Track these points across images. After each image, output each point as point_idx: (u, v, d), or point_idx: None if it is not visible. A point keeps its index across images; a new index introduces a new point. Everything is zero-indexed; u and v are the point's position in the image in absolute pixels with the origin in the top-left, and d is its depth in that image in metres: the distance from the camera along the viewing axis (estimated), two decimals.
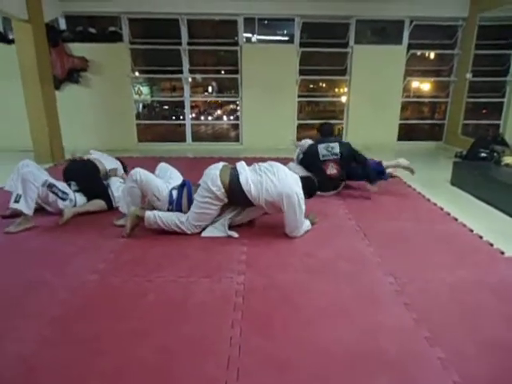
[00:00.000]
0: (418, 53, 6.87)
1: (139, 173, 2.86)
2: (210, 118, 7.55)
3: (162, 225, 2.78)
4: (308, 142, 4.22)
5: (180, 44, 6.43)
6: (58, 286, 2.10)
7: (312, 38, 6.63)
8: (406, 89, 7.00)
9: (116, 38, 6.30)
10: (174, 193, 2.89)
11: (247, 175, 2.72)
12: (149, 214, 2.78)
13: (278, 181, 2.68)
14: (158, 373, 1.47)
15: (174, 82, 7.11)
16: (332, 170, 3.81)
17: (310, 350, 1.61)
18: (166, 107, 7.47)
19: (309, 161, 3.94)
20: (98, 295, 2.04)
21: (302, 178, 2.86)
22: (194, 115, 7.11)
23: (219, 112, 7.78)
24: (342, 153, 3.80)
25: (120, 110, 6.58)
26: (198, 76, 7.03)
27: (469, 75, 6.47)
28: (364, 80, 6.67)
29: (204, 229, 2.86)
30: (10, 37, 5.98)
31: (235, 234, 2.82)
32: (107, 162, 3.66)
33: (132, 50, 6.47)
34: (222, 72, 7.07)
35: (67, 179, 3.39)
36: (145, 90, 7.02)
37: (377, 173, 3.94)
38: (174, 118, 7.36)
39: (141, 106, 7.32)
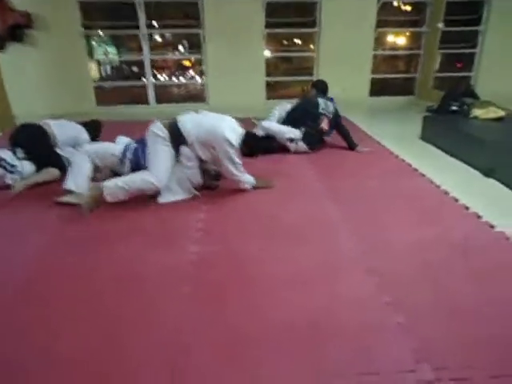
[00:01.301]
0: (391, 3, 6.54)
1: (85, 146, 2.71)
2: (182, 78, 7.14)
3: (126, 188, 2.49)
4: (288, 105, 4.06)
5: None
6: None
7: None
8: (380, 42, 6.73)
9: None
10: (133, 145, 2.81)
11: (186, 115, 2.70)
12: (108, 183, 2.51)
13: (215, 121, 2.66)
14: (105, 348, 1.35)
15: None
16: (325, 124, 3.82)
17: (264, 322, 1.51)
18: (136, 69, 6.94)
19: (305, 111, 3.84)
20: (43, 274, 1.86)
21: (247, 134, 2.75)
22: (165, 76, 6.68)
23: (192, 72, 7.36)
24: (334, 114, 3.85)
25: (73, 70, 6.06)
26: (158, 32, 6.51)
27: (440, 25, 6.25)
28: (334, 32, 6.34)
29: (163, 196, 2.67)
30: None
31: (196, 192, 2.72)
32: (65, 131, 3.31)
33: (81, 3, 5.86)
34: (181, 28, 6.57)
35: (13, 145, 3.09)
36: (112, 50, 6.45)
37: None
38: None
39: (108, 67, 6.80)
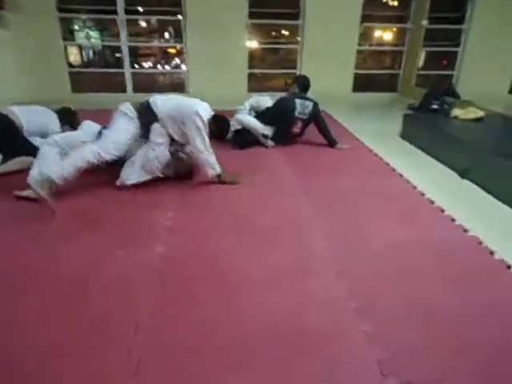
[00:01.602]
0: None
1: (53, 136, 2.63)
2: (167, 67, 6.94)
3: (67, 168, 2.37)
4: (262, 98, 3.96)
5: None
6: None
7: None
8: (365, 37, 6.67)
9: None
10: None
11: (158, 96, 2.71)
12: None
13: (187, 100, 2.72)
14: (48, 363, 1.24)
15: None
16: (297, 128, 3.73)
17: (226, 327, 1.43)
18: (119, 55, 6.67)
19: (280, 115, 3.68)
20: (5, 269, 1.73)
21: (215, 117, 2.73)
22: (150, 63, 6.49)
23: (178, 61, 7.15)
24: (311, 114, 3.70)
25: (48, 55, 5.80)
26: (136, 18, 6.28)
27: (425, 22, 6.23)
28: (318, 25, 6.24)
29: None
30: None
31: (161, 175, 2.70)
32: (34, 118, 3.13)
33: None
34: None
35: None
36: (94, 34, 6.18)
37: None
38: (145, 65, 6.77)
39: (91, 52, 6.52)
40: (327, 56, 6.42)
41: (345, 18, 6.27)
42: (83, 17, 6.24)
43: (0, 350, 1.31)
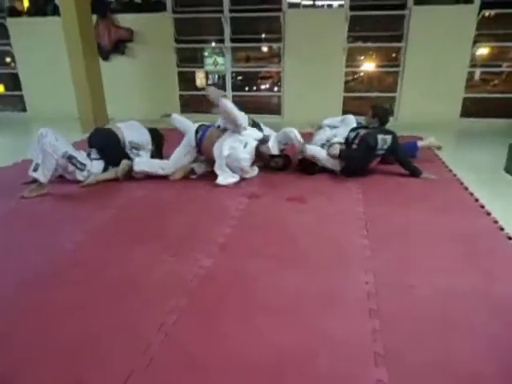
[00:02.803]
0: (492, 13, 5.83)
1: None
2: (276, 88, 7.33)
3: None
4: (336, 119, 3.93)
5: (222, 12, 6.22)
6: (36, 253, 2.20)
7: (362, 0, 5.98)
8: (476, 57, 6.06)
9: (160, 7, 6.29)
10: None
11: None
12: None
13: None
14: (72, 351, 1.46)
15: (248, 52, 6.96)
16: (374, 164, 3.58)
17: (233, 351, 1.47)
18: (240, 78, 7.30)
19: (364, 152, 3.38)
20: (65, 265, 2.08)
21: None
22: (267, 86, 6.98)
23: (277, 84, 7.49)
24: (389, 147, 3.43)
25: (163, 80, 6.67)
26: (240, 45, 6.78)
27: None
28: (423, 47, 5.89)
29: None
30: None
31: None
32: (133, 133, 3.70)
33: (175, 20, 6.42)
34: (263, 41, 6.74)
35: (90, 146, 3.53)
36: (220, 60, 6.92)
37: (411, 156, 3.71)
38: (246, 89, 7.32)
39: (216, 76, 7.29)
40: (431, 79, 5.99)
41: (454, 38, 5.79)
42: (196, 46, 6.96)
43: (60, 325, 1.58)
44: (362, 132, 3.46)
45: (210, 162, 3.46)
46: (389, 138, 3.42)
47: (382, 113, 3.78)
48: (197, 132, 3.45)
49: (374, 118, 3.74)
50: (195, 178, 3.48)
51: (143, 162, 3.47)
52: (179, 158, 3.48)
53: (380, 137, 3.39)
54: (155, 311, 1.68)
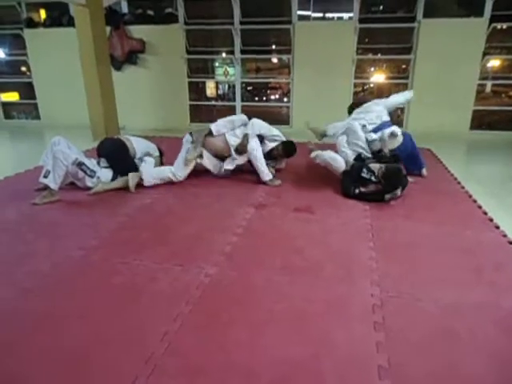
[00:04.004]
0: (503, 26, 5.82)
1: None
2: (285, 99, 7.38)
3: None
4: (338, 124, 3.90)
5: (232, 24, 6.32)
6: (44, 259, 2.23)
7: (372, 13, 6.04)
8: (486, 70, 6.05)
9: (172, 19, 6.42)
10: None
11: None
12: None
13: None
14: (77, 358, 1.48)
15: (258, 63, 7.05)
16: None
17: (236, 360, 1.47)
18: (250, 88, 7.38)
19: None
20: (72, 272, 2.11)
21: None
22: (277, 96, 7.09)
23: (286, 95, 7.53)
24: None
25: (174, 90, 6.77)
26: (250, 57, 6.87)
27: None
28: (432, 59, 5.90)
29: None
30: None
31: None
32: (141, 143, 3.76)
33: (187, 31, 6.54)
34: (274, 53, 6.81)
35: (99, 155, 3.59)
36: (231, 70, 7.02)
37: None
38: (256, 99, 7.38)
39: (226, 86, 7.37)
40: (441, 91, 5.99)
41: (464, 50, 5.79)
42: (207, 57, 7.07)
43: (64, 331, 1.60)
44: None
45: (214, 154, 3.76)
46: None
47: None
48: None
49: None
50: (203, 187, 3.52)
51: (151, 175, 3.52)
52: (183, 157, 3.61)
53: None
54: (160, 319, 1.69)
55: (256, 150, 3.54)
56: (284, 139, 3.77)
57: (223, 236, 2.53)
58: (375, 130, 3.56)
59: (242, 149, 3.59)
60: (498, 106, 6.37)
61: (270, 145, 3.74)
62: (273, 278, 2.03)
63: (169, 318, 1.70)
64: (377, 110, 3.72)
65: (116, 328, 1.64)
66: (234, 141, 3.63)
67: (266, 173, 3.58)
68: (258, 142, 3.60)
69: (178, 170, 3.57)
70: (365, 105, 3.89)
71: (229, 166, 3.70)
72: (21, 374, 1.40)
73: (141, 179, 3.48)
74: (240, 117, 3.77)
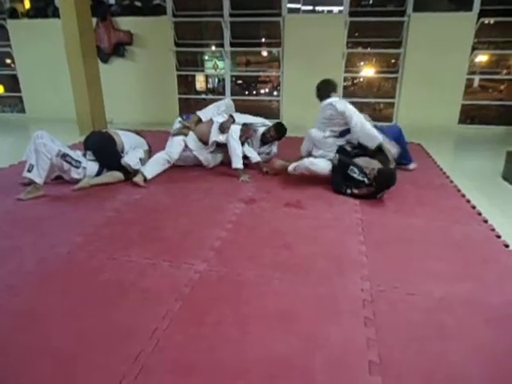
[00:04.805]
0: (491, 21, 5.85)
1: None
2: (275, 93, 7.33)
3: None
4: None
5: (222, 16, 6.24)
6: (28, 255, 2.18)
7: (362, 7, 6.02)
8: (474, 64, 6.09)
9: (160, 11, 6.31)
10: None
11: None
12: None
13: None
14: (62, 357, 1.44)
15: (248, 57, 6.99)
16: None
17: (225, 358, 1.45)
18: (239, 82, 7.33)
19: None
20: (57, 269, 2.06)
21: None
22: (267, 90, 7.04)
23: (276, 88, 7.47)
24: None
25: (163, 83, 6.67)
26: (240, 50, 6.80)
27: None
28: (421, 53, 5.92)
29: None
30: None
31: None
32: (128, 139, 3.69)
33: (175, 23, 6.44)
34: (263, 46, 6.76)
35: (86, 148, 3.51)
36: (221, 64, 6.94)
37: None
38: (246, 92, 7.33)
39: (216, 80, 7.29)
40: (430, 85, 6.02)
41: (453, 44, 5.82)
42: (195, 50, 6.97)
43: (49, 327, 1.56)
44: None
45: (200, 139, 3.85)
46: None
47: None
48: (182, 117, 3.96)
49: None
50: (192, 182, 3.48)
51: (150, 167, 3.54)
52: (171, 141, 3.77)
53: None
54: (148, 316, 1.66)
55: (234, 133, 3.65)
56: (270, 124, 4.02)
57: (213, 231, 2.50)
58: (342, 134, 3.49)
59: (226, 126, 3.72)
60: (486, 101, 6.43)
61: (261, 129, 3.97)
62: (263, 274, 2.02)
63: (157, 315, 1.67)
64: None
65: (103, 326, 1.61)
66: (219, 119, 3.83)
67: (237, 160, 3.60)
68: (238, 130, 3.71)
69: (171, 148, 3.68)
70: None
71: (214, 138, 3.76)
72: (4, 374, 1.36)
73: (142, 174, 3.43)
74: (225, 101, 4.02)
